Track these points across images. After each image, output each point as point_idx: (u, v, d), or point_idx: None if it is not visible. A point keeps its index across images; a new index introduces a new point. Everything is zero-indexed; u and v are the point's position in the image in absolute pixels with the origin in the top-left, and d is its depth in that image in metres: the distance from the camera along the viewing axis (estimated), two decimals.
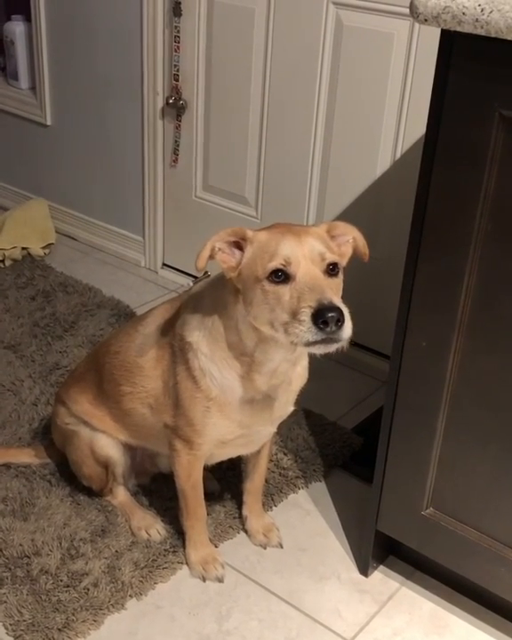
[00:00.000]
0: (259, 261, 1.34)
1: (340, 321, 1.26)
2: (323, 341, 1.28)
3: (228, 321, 1.47)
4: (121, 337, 1.73)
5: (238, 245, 1.39)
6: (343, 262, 1.42)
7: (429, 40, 2.00)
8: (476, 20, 1.14)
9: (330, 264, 1.34)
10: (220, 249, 1.39)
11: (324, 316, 1.25)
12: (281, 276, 1.31)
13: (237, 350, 1.48)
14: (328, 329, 1.26)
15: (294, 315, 1.28)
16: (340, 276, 1.37)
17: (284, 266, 1.31)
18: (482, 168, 1.26)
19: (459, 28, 1.17)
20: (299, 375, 1.60)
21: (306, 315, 1.27)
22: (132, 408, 1.69)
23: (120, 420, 1.74)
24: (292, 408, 1.66)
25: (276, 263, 1.31)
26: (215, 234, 1.39)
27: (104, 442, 1.77)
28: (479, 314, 1.37)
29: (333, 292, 1.31)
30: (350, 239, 1.44)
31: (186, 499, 1.71)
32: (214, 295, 1.50)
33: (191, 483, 1.68)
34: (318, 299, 1.27)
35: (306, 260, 1.32)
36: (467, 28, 1.17)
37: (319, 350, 1.31)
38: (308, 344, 1.29)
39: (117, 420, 1.75)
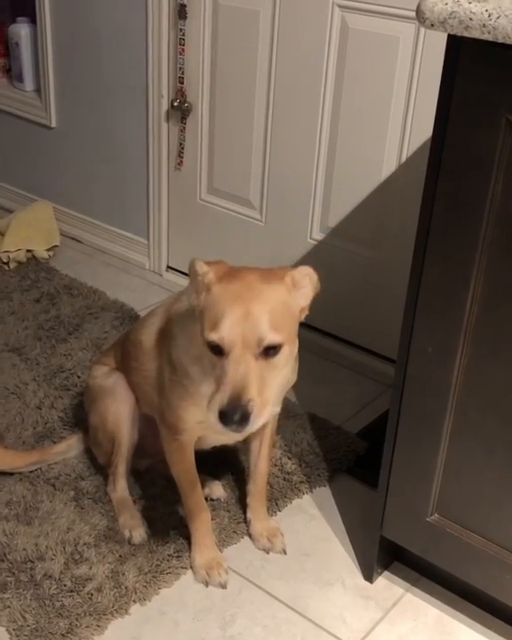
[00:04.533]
0: (206, 320, 1.36)
1: (244, 418, 1.30)
2: (230, 430, 1.33)
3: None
4: (145, 315, 1.84)
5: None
6: (306, 306, 1.42)
7: (435, 44, 2.00)
8: (483, 25, 1.14)
9: (269, 346, 1.34)
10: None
11: (225, 418, 1.31)
12: (217, 348, 1.34)
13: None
14: (230, 426, 1.31)
15: (214, 394, 1.33)
16: (281, 353, 1.36)
17: (220, 342, 1.33)
18: (488, 174, 1.25)
19: (466, 34, 1.17)
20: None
21: (215, 406, 1.31)
22: (137, 383, 1.79)
23: (134, 391, 1.85)
24: (275, 409, 1.65)
25: (214, 337, 1.33)
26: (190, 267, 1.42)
27: (118, 412, 1.82)
28: (485, 319, 1.37)
29: (263, 375, 1.33)
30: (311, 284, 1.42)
31: (182, 489, 1.72)
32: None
33: (183, 468, 1.70)
34: (229, 396, 1.30)
35: (240, 344, 1.32)
36: (474, 34, 1.16)
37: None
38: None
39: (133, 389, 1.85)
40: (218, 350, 1.34)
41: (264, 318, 1.33)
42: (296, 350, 1.44)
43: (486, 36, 1.15)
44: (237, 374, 1.31)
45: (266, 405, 1.33)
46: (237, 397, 1.30)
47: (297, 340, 1.42)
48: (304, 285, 1.41)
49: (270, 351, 1.34)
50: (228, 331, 1.32)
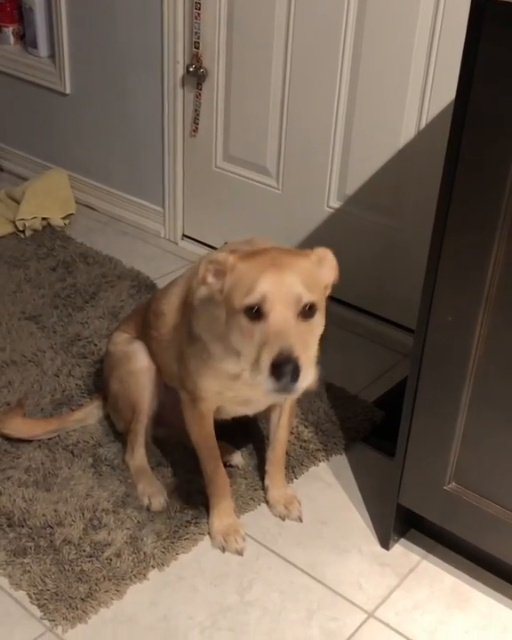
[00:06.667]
0: (237, 292, 1.37)
1: (296, 372, 1.29)
2: (279, 389, 1.32)
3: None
4: (166, 285, 1.84)
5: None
6: (329, 284, 1.44)
7: (456, 5, 1.96)
8: None
9: (307, 305, 1.35)
10: (208, 271, 1.43)
11: (279, 369, 1.28)
12: (255, 312, 1.33)
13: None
14: (283, 380, 1.29)
15: (257, 358, 1.31)
16: (317, 316, 1.37)
17: (259, 304, 1.33)
18: None
19: None
20: None
21: (265, 363, 1.30)
22: (157, 352, 1.80)
23: (154, 360, 1.85)
24: None
25: (251, 300, 1.34)
26: (201, 261, 1.45)
27: (138, 379, 1.83)
28: (507, 288, 1.35)
29: (304, 337, 1.33)
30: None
31: (201, 455, 1.74)
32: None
33: (203, 438, 1.72)
34: (280, 349, 1.29)
35: (280, 301, 1.33)
36: None
37: (277, 397, 1.40)
38: (266, 391, 1.33)
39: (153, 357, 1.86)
40: (255, 314, 1.33)
41: (298, 280, 1.34)
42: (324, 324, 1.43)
43: None
44: (283, 331, 1.31)
45: (312, 365, 1.32)
46: (288, 351, 1.29)
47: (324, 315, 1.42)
48: (327, 264, 1.42)
49: (308, 311, 1.35)
50: (267, 290, 1.33)
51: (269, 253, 1.41)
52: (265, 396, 1.60)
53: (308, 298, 1.34)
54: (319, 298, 1.37)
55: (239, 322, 1.36)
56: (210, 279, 1.43)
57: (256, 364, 1.32)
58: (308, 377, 1.31)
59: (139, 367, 1.84)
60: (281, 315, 1.32)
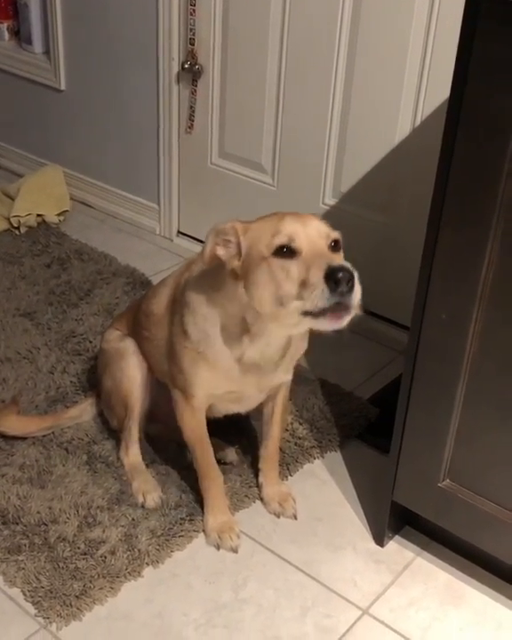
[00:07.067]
0: (261, 242, 1.38)
1: (350, 281, 1.28)
2: (333, 310, 1.30)
3: (230, 301, 1.49)
4: (155, 285, 1.85)
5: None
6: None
7: (451, 3, 1.96)
8: None
9: (334, 240, 1.39)
10: (217, 244, 1.44)
11: (335, 276, 1.28)
12: (287, 251, 1.35)
13: (234, 323, 1.50)
14: (340, 289, 1.28)
15: (305, 283, 1.31)
16: (342, 252, 1.41)
17: (289, 242, 1.35)
18: (507, 136, 1.23)
19: None
20: (294, 346, 1.60)
21: (317, 277, 1.29)
22: (148, 350, 1.80)
23: (146, 358, 1.85)
24: (287, 377, 1.69)
25: (281, 239, 1.35)
26: (209, 234, 1.44)
27: (131, 376, 1.83)
28: (500, 285, 1.35)
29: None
30: None
31: (194, 453, 1.74)
32: (214, 275, 1.51)
33: (196, 435, 1.72)
34: (328, 262, 1.30)
35: (310, 236, 1.36)
36: None
37: (329, 324, 1.33)
38: (319, 313, 1.31)
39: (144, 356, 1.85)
40: (287, 253, 1.34)
41: (319, 221, 1.40)
42: None
43: None
44: (324, 255, 1.33)
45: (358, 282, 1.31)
46: (334, 261, 1.30)
47: None
48: None
49: (335, 246, 1.39)
50: (294, 228, 1.35)
51: (277, 213, 1.43)
52: (312, 326, 1.51)
53: (334, 233, 1.39)
54: (341, 237, 1.41)
55: (270, 266, 1.36)
56: (220, 251, 1.44)
57: (304, 289, 1.30)
58: (359, 291, 1.31)
59: (130, 364, 1.84)
60: (315, 244, 1.35)
